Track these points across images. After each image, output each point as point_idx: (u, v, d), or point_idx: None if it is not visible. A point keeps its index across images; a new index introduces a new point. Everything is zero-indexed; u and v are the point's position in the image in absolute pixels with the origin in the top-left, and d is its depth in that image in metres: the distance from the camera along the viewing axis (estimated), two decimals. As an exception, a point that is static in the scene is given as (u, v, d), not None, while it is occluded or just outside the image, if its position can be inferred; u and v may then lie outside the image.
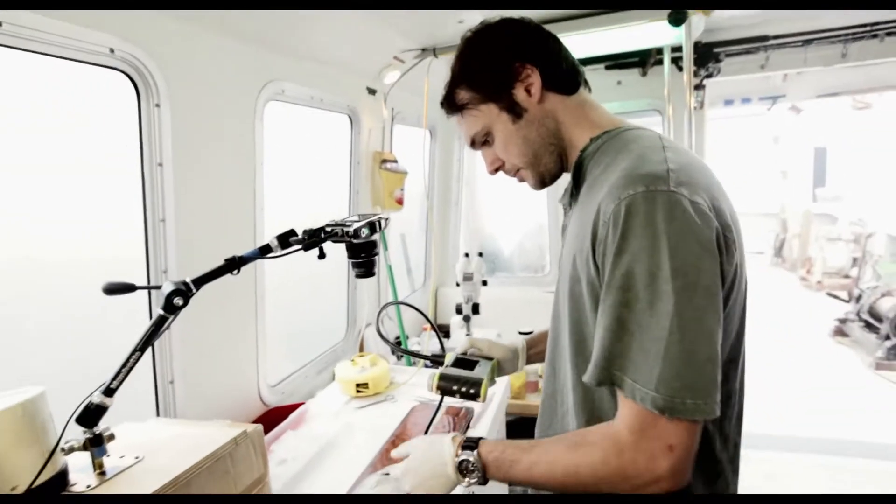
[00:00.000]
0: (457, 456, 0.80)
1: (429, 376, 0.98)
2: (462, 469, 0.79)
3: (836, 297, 6.47)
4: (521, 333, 1.24)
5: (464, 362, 1.03)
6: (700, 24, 1.93)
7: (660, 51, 2.35)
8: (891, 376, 4.27)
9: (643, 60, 2.56)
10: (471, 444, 0.80)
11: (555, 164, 0.90)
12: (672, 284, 0.65)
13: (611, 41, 1.98)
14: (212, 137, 1.35)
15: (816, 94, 3.49)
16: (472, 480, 0.79)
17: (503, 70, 0.85)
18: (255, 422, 1.58)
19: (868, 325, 4.98)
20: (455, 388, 0.96)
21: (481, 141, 0.92)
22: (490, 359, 1.06)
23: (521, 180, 0.94)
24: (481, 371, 1.00)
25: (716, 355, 0.67)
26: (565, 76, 0.88)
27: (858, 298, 5.28)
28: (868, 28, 2.06)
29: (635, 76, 2.67)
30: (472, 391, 0.95)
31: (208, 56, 1.30)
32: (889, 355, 4.45)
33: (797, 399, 3.93)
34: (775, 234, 9.25)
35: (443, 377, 0.98)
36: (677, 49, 2.03)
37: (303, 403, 1.69)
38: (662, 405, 0.65)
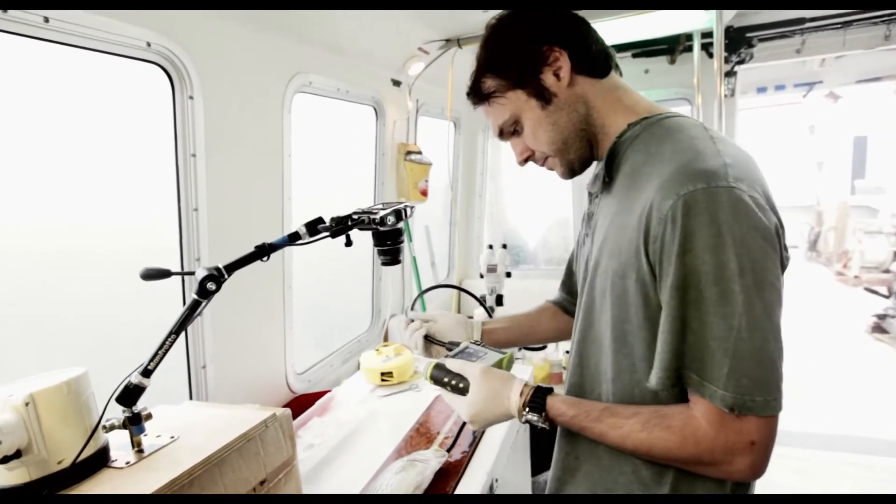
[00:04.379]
0: (522, 414, 0.82)
1: (426, 364, 0.94)
2: (529, 423, 0.82)
3: (875, 292, 6.22)
4: None
5: (470, 353, 0.97)
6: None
7: (689, 37, 2.29)
8: (932, 373, 4.10)
9: (671, 48, 2.51)
10: (538, 402, 0.81)
11: (585, 150, 0.87)
12: (740, 283, 0.65)
13: (638, 28, 1.93)
14: (242, 128, 1.38)
15: (856, 79, 3.35)
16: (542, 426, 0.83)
17: (530, 54, 0.82)
18: (283, 407, 1.63)
19: (909, 322, 4.79)
20: (446, 380, 0.90)
21: (510, 130, 0.89)
22: (503, 352, 0.99)
23: (551, 169, 0.91)
24: (482, 365, 0.92)
25: (781, 350, 0.68)
26: (596, 59, 0.84)
27: (899, 293, 5.07)
28: (913, 8, 1.96)
29: (663, 64, 2.61)
30: (461, 385, 0.89)
31: (239, 49, 1.33)
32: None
33: (833, 396, 3.82)
34: (810, 227, 8.94)
35: (438, 367, 0.92)
36: (707, 35, 1.98)
37: (329, 391, 1.72)
38: (732, 402, 0.66)
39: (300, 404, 1.67)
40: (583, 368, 0.88)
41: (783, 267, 0.72)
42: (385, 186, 2.14)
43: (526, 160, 0.92)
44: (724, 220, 0.65)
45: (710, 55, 2.17)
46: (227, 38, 1.29)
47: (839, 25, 2.18)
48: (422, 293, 1.42)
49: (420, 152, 2.23)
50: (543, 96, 0.83)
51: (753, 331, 0.65)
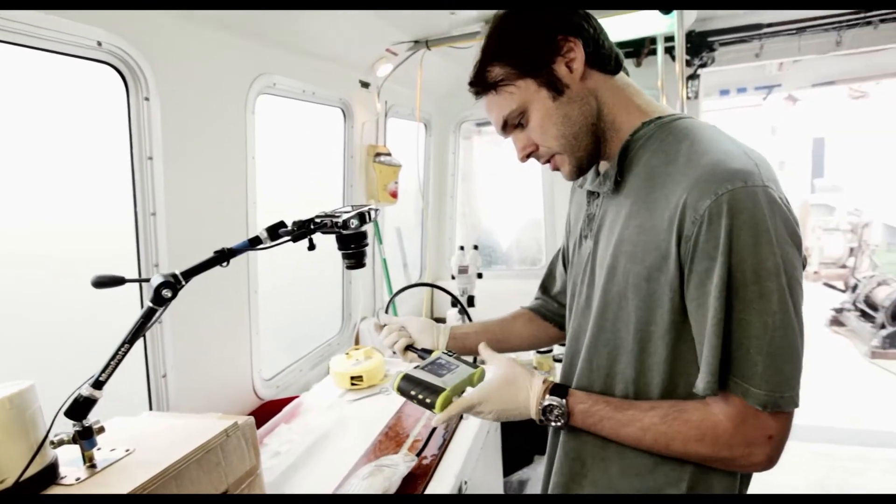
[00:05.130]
0: (543, 400, 0.81)
1: (394, 374, 0.90)
2: (545, 412, 0.81)
3: (832, 287, 6.48)
4: None
5: (441, 365, 0.89)
6: (692, 12, 1.92)
7: (654, 41, 2.34)
8: (887, 365, 4.28)
9: (637, 51, 2.55)
10: (559, 390, 0.81)
11: (594, 147, 0.83)
12: (776, 282, 0.66)
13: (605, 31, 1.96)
14: (203, 131, 1.35)
15: (812, 82, 3.48)
16: (555, 424, 0.81)
17: (544, 42, 0.78)
18: (250, 415, 1.59)
19: (864, 315, 5.00)
20: (413, 392, 0.84)
21: (514, 122, 0.83)
22: (476, 366, 0.92)
23: (555, 168, 0.86)
24: (452, 378, 0.85)
25: (803, 345, 0.69)
26: (608, 55, 0.81)
27: (854, 288, 5.29)
28: (862, 15, 2.05)
29: (630, 67, 2.64)
30: (428, 400, 0.82)
31: (198, 49, 1.30)
32: (885, 344, 4.46)
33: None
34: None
35: (406, 378, 0.86)
36: (670, 39, 2.02)
37: (297, 397, 1.69)
38: (765, 401, 0.67)
39: (268, 411, 1.64)
40: (592, 371, 0.84)
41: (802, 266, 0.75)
42: (354, 189, 2.12)
43: (528, 156, 0.86)
44: (762, 219, 0.66)
45: (674, 58, 2.22)
46: (185, 37, 1.25)
47: (794, 31, 2.26)
48: (395, 294, 1.33)
49: (389, 154, 2.22)
50: (555, 87, 0.79)
51: (787, 328, 0.66)
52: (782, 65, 3.36)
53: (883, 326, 4.57)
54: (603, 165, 0.86)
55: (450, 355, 0.92)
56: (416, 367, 0.88)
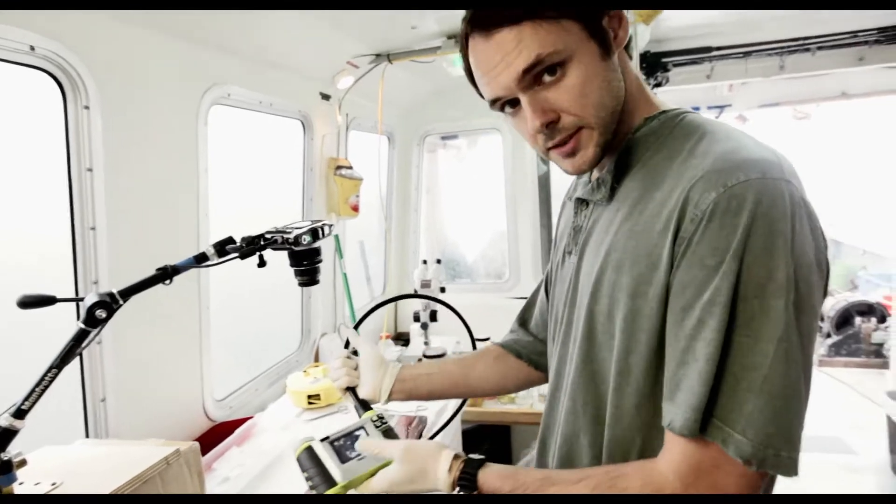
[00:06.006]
0: (454, 487, 0.68)
1: (300, 440, 0.77)
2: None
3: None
4: (478, 340, 1.21)
5: (355, 439, 0.76)
6: (646, 33, 1.98)
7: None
8: (833, 372, 4.48)
9: (595, 70, 2.62)
10: (468, 477, 0.66)
11: (612, 136, 0.67)
12: (784, 300, 0.52)
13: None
14: (150, 142, 1.29)
15: (759, 103, 3.66)
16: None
17: None
18: (200, 438, 1.52)
19: (812, 324, 5.22)
20: (307, 473, 0.73)
21: (543, 69, 0.61)
22: (379, 462, 0.74)
23: (571, 152, 0.66)
24: (354, 469, 0.72)
25: (808, 394, 0.55)
26: (628, 42, 0.69)
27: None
28: (801, 42, 2.18)
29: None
30: (316, 490, 0.72)
31: (146, 56, 1.25)
32: (831, 352, 4.68)
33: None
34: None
35: (308, 451, 0.74)
36: (626, 59, 2.08)
37: (251, 418, 1.62)
38: (750, 454, 0.52)
39: (220, 433, 1.56)
40: (577, 416, 0.70)
41: (824, 294, 0.59)
42: (314, 202, 2.08)
43: (546, 125, 0.64)
44: (779, 218, 0.53)
45: (630, 78, 2.29)
46: (132, 44, 1.20)
47: (741, 55, 2.38)
48: (365, 316, 1.17)
49: (351, 167, 2.19)
50: (606, 44, 0.63)
51: (790, 363, 0.52)
52: (732, 86, 3.53)
53: (829, 335, 4.80)
54: (598, 169, 0.72)
55: (378, 425, 0.79)
56: (326, 440, 0.76)
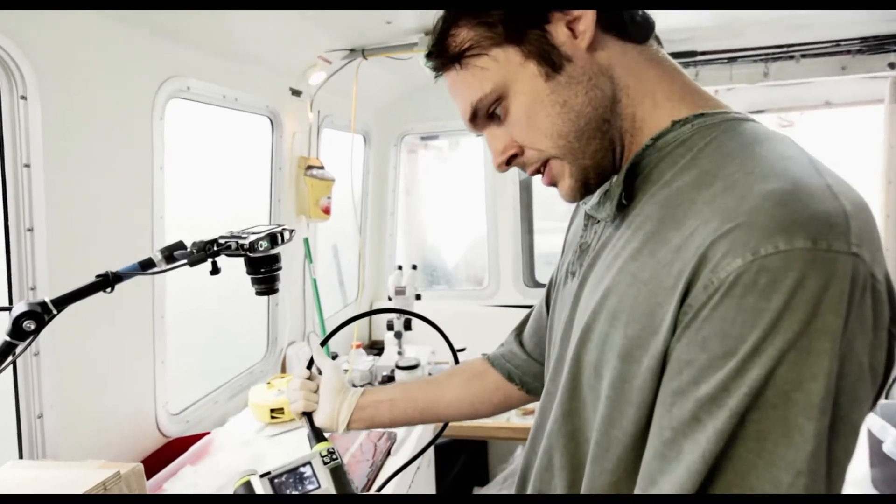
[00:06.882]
0: None
1: (240, 472, 0.74)
2: None
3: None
4: (458, 350, 1.16)
5: (298, 480, 0.72)
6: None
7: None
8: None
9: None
10: None
11: (607, 153, 0.57)
12: (816, 421, 0.41)
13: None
14: (97, 136, 1.23)
15: (745, 109, 3.71)
16: None
17: None
18: (153, 456, 1.45)
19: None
20: None
21: (487, 111, 0.58)
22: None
23: (551, 182, 0.61)
24: None
25: None
26: (630, 16, 0.57)
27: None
28: (785, 49, 2.21)
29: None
30: None
31: (93, 43, 1.19)
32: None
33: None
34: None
35: (246, 486, 0.71)
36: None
37: (209, 433, 1.56)
38: None
39: (175, 449, 1.50)
40: (552, 475, 0.62)
41: (874, 401, 0.47)
42: (282, 203, 2.03)
43: (510, 161, 0.60)
44: (829, 309, 0.40)
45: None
46: (76, 28, 1.14)
47: (726, 60, 2.40)
48: (337, 329, 1.01)
49: (322, 167, 2.14)
50: (549, 59, 0.55)
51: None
52: (717, 91, 3.57)
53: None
54: (614, 180, 0.62)
55: (328, 461, 0.74)
56: (267, 475, 0.73)
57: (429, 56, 0.60)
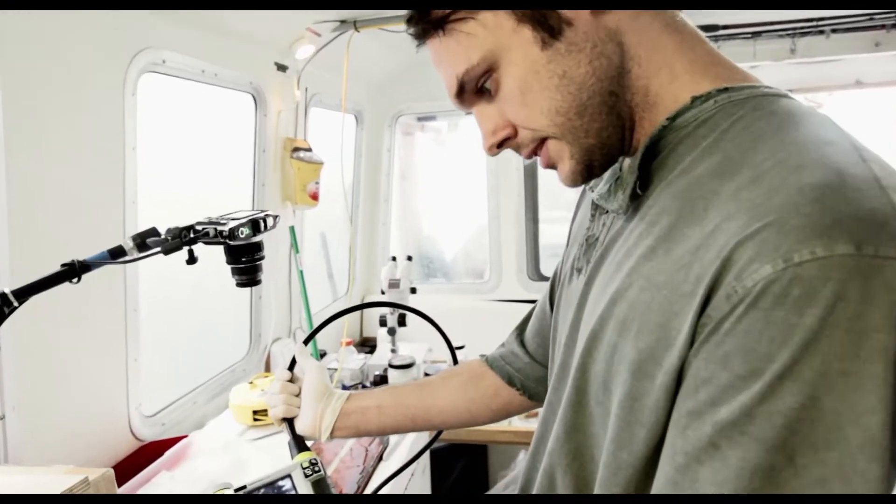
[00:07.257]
0: None
1: (217, 484, 0.76)
2: None
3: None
4: (457, 348, 1.15)
5: (272, 490, 0.72)
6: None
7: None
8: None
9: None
10: None
11: (615, 129, 0.54)
12: (879, 465, 0.38)
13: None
14: (63, 114, 1.21)
15: (769, 89, 3.69)
16: None
17: None
18: (125, 460, 1.45)
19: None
20: None
21: (475, 83, 0.55)
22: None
23: (549, 164, 0.58)
24: None
25: None
26: None
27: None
28: (814, 23, 2.18)
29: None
30: None
31: (57, 14, 1.17)
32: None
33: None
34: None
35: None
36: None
37: (186, 437, 1.56)
38: None
39: (150, 454, 1.50)
40: (554, 493, 0.60)
41: None
42: (266, 188, 2.01)
43: (502, 144, 0.58)
44: (878, 326, 0.37)
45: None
46: (41, -2, 1.12)
47: (749, 35, 2.37)
48: (324, 324, 0.98)
49: (310, 149, 2.13)
50: (546, 23, 0.51)
51: None
52: (739, 70, 3.56)
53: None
54: (626, 162, 0.59)
55: (309, 473, 0.73)
56: (244, 489, 0.72)
57: (409, 21, 0.56)
